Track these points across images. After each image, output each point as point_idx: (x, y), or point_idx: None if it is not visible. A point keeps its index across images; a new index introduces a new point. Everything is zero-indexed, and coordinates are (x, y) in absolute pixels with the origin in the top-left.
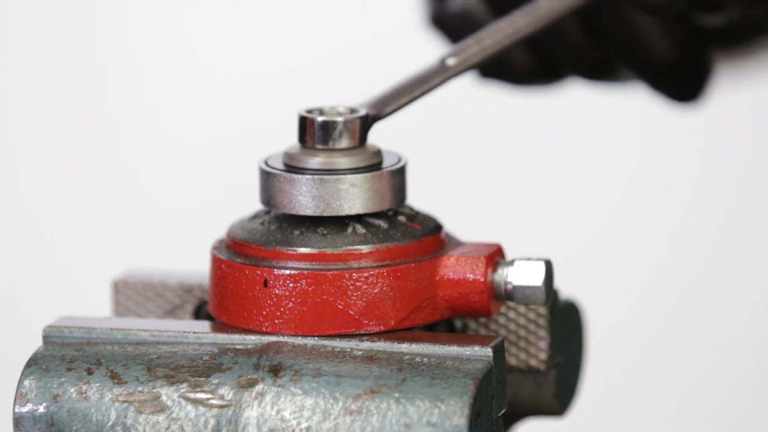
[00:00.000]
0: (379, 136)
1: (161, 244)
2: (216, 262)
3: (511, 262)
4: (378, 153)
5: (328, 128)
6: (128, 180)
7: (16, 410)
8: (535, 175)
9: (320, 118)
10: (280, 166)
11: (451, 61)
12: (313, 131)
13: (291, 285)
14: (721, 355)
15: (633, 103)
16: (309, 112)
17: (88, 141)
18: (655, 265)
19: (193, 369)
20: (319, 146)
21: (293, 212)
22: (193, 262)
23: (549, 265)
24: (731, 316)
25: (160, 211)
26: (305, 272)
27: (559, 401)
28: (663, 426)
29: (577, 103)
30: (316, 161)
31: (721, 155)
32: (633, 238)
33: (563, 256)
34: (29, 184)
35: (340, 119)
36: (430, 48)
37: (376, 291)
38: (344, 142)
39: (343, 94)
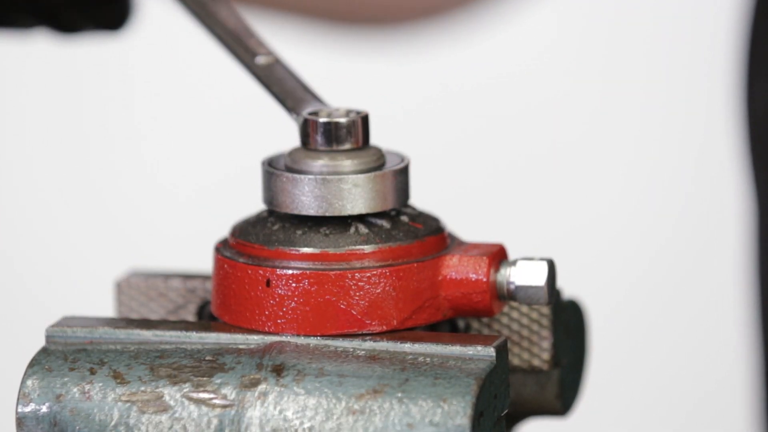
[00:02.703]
0: (380, 135)
1: (164, 244)
2: (219, 262)
3: (514, 262)
4: (381, 153)
5: (331, 130)
6: (131, 180)
7: (19, 410)
8: (537, 174)
9: (323, 120)
10: (283, 167)
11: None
12: (316, 133)
13: (293, 285)
14: (724, 354)
15: (632, 101)
16: (311, 114)
17: (91, 143)
18: (660, 265)
19: (195, 369)
20: (323, 148)
21: (296, 212)
22: (196, 262)
23: (551, 265)
24: (736, 315)
25: (162, 211)
26: (308, 272)
27: (561, 401)
28: (666, 426)
29: (576, 99)
30: (319, 163)
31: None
32: (636, 236)
33: (566, 255)
34: (31, 185)
35: (342, 121)
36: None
37: (378, 291)
38: (347, 144)
39: (344, 96)
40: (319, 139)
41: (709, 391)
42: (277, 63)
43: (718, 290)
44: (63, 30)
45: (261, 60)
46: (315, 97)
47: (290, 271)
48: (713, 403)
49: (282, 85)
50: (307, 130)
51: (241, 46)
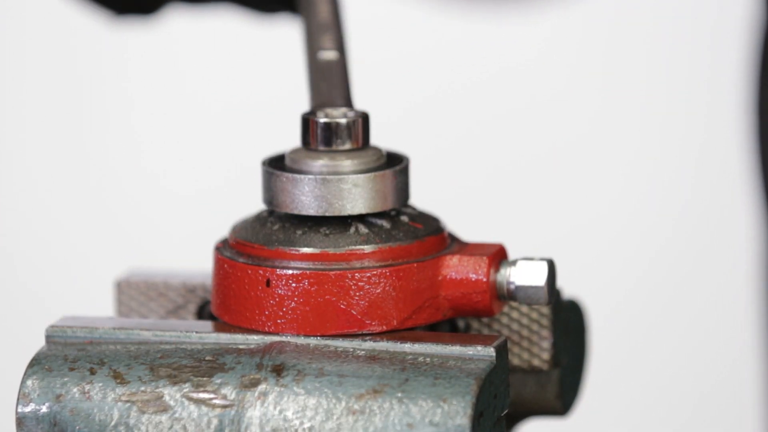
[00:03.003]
0: (380, 133)
1: (164, 244)
2: (219, 262)
3: (514, 262)
4: (381, 154)
5: (330, 130)
6: (131, 180)
7: (19, 410)
8: (537, 174)
9: (323, 120)
10: (283, 167)
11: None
12: (316, 133)
13: (293, 285)
14: (726, 354)
15: (636, 99)
16: (311, 113)
17: (91, 142)
18: (661, 265)
19: (195, 369)
20: (322, 148)
21: (296, 212)
22: (196, 262)
23: (551, 265)
24: (735, 315)
25: (163, 210)
26: (308, 272)
27: (561, 401)
28: (666, 426)
29: (579, 98)
30: (319, 163)
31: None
32: (637, 236)
33: (566, 255)
34: (31, 184)
35: (342, 121)
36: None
37: (378, 291)
38: (347, 144)
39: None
40: (319, 139)
41: (710, 392)
42: (336, 62)
43: (719, 290)
44: (257, 10)
45: (322, 55)
46: (344, 100)
47: (290, 271)
48: (714, 403)
49: (321, 82)
50: (306, 129)
51: (314, 38)
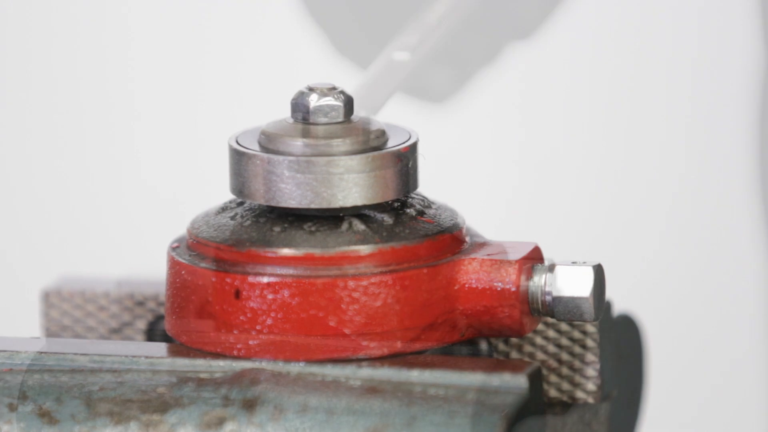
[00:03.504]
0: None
1: (103, 245)
2: (175, 268)
3: (551, 267)
4: (380, 129)
5: (317, 105)
6: (114, 179)
7: None
8: (536, 175)
9: (307, 92)
10: (256, 146)
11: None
12: (299, 106)
13: (270, 296)
14: (729, 355)
15: (632, 103)
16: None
17: (90, 143)
18: (660, 266)
19: (144, 404)
20: (306, 122)
21: (273, 204)
22: (146, 266)
23: (599, 271)
24: (737, 320)
25: (123, 206)
26: (288, 280)
27: None
28: (670, 426)
29: (577, 101)
30: (301, 142)
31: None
32: (637, 238)
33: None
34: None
35: (329, 89)
36: None
37: (378, 304)
38: (336, 116)
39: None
40: (302, 112)
41: (711, 394)
42: (401, 64)
43: (720, 293)
44: None
45: (396, 55)
46: (377, 102)
47: (266, 279)
48: (716, 405)
49: (368, 79)
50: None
51: (404, 34)
